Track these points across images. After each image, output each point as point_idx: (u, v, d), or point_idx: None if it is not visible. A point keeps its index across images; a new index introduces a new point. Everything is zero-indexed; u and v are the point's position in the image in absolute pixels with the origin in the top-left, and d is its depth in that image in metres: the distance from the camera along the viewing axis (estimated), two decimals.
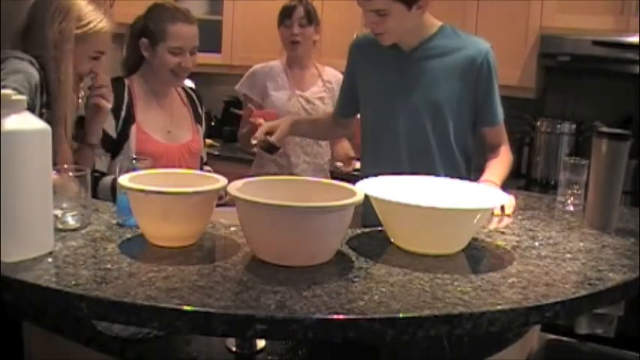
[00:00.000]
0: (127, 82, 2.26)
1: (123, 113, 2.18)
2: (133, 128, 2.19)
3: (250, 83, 3.03)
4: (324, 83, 3.02)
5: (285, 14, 2.94)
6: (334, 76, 3.01)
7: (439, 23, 2.12)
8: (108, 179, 2.10)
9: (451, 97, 2.08)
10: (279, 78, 3.00)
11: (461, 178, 1.82)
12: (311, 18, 2.96)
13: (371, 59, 2.19)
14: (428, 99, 2.09)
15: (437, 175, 1.76)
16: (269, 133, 2.27)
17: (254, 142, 2.30)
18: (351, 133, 2.67)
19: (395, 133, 2.13)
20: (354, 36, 2.45)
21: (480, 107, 2.12)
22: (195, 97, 2.44)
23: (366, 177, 1.63)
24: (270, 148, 2.31)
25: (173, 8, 2.26)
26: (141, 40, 2.24)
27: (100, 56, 1.96)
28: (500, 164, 2.11)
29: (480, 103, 2.11)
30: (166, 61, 2.22)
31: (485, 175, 2.03)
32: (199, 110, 2.44)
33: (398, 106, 2.12)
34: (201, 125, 2.43)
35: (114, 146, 2.17)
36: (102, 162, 2.14)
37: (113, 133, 2.17)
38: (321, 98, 2.99)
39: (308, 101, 2.97)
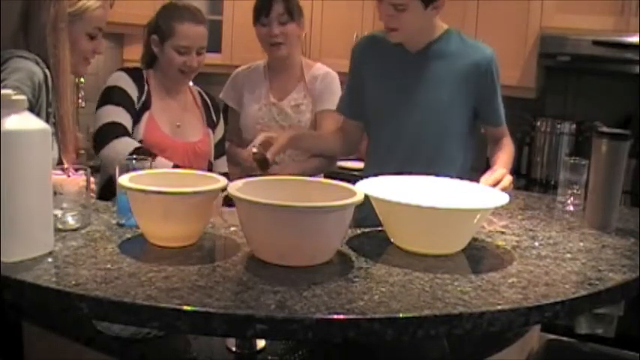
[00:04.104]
0: (144, 74, 2.33)
1: (143, 97, 2.27)
2: (146, 115, 2.27)
3: (231, 90, 2.74)
4: (305, 85, 2.62)
5: (261, 11, 2.52)
6: (323, 73, 2.64)
7: (445, 26, 2.16)
8: (129, 140, 2.17)
9: (453, 100, 2.12)
10: (258, 83, 2.66)
11: (461, 178, 1.82)
12: (293, 13, 2.51)
13: (376, 60, 2.21)
14: (430, 100, 2.12)
15: (437, 175, 1.76)
16: (266, 144, 2.10)
17: (254, 150, 2.09)
18: (356, 149, 2.47)
19: (397, 132, 2.16)
20: (354, 36, 2.45)
21: (483, 110, 2.17)
22: (210, 104, 2.47)
23: (368, 176, 1.64)
24: (263, 163, 2.08)
25: (183, 7, 2.33)
26: (152, 36, 2.32)
27: (99, 35, 1.97)
28: (506, 155, 2.16)
29: (483, 107, 2.16)
30: (173, 59, 2.28)
31: (496, 166, 2.02)
32: (213, 116, 2.45)
33: (400, 106, 2.15)
34: (214, 131, 2.44)
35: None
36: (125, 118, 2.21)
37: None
38: (297, 106, 2.61)
39: (281, 111, 2.60)
